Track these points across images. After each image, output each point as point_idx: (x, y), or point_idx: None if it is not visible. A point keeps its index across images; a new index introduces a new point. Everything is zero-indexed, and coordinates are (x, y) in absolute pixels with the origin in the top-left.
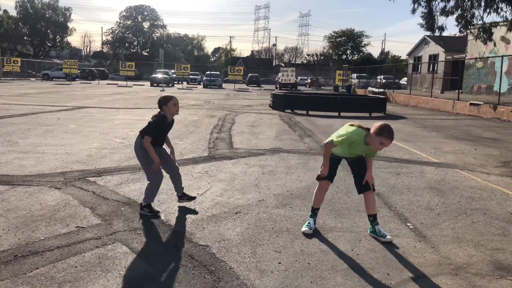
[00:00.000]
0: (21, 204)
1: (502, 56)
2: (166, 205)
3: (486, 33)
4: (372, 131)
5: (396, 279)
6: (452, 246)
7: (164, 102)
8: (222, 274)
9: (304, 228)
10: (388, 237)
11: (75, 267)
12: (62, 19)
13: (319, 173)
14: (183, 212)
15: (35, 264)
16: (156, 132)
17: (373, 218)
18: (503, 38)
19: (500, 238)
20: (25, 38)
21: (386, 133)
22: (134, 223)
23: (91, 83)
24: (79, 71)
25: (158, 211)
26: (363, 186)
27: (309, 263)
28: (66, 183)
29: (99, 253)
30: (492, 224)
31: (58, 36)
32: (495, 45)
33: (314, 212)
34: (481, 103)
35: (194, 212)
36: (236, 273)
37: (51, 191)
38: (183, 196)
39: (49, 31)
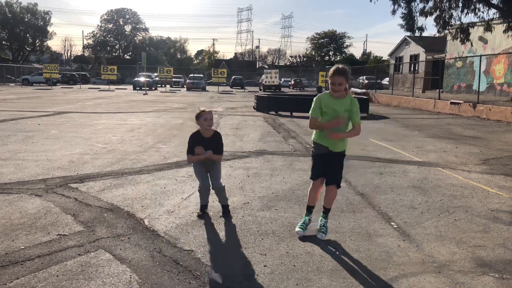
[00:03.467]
0: (0, 212)
1: (480, 56)
2: (150, 210)
3: (463, 33)
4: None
5: (381, 278)
6: (435, 244)
7: (196, 117)
8: (208, 279)
9: (297, 229)
10: (320, 235)
11: (57, 276)
12: (42, 23)
13: (332, 125)
14: (168, 217)
15: (15, 274)
16: (189, 148)
17: (325, 211)
18: (481, 38)
19: (481, 235)
20: (3, 42)
21: (330, 72)
22: (117, 230)
23: (72, 88)
24: (60, 76)
25: (200, 213)
26: (331, 179)
27: (294, 265)
28: (47, 190)
29: (82, 261)
30: (473, 222)
31: (37, 40)
32: (472, 44)
33: (310, 210)
34: (461, 102)
35: (178, 216)
36: (222, 277)
37: (31, 199)
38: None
39: (28, 35)
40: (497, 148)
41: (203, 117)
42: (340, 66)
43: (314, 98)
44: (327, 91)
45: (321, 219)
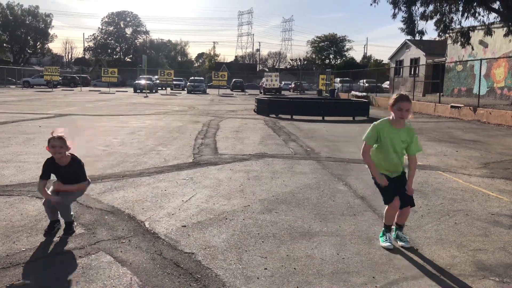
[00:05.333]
0: (1, 214)
1: (481, 60)
2: (151, 212)
3: (463, 37)
4: (389, 109)
5: (382, 282)
6: (435, 248)
7: (47, 142)
8: (208, 281)
9: (385, 244)
10: (405, 243)
11: (57, 278)
12: (43, 25)
13: (381, 184)
14: (168, 219)
15: (16, 276)
16: (43, 172)
17: (398, 227)
18: (481, 42)
19: (482, 238)
20: (4, 45)
21: (397, 98)
22: (118, 232)
23: (73, 90)
24: (60, 78)
25: (47, 231)
26: (406, 201)
27: (295, 268)
28: None
29: (83, 263)
30: (474, 225)
31: (38, 43)
32: (472, 48)
33: (388, 228)
34: (462, 105)
35: (179, 219)
36: (222, 280)
37: (32, 201)
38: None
39: (29, 37)
40: (498, 152)
41: (50, 144)
42: (404, 93)
43: (371, 125)
44: (385, 118)
45: (397, 233)
